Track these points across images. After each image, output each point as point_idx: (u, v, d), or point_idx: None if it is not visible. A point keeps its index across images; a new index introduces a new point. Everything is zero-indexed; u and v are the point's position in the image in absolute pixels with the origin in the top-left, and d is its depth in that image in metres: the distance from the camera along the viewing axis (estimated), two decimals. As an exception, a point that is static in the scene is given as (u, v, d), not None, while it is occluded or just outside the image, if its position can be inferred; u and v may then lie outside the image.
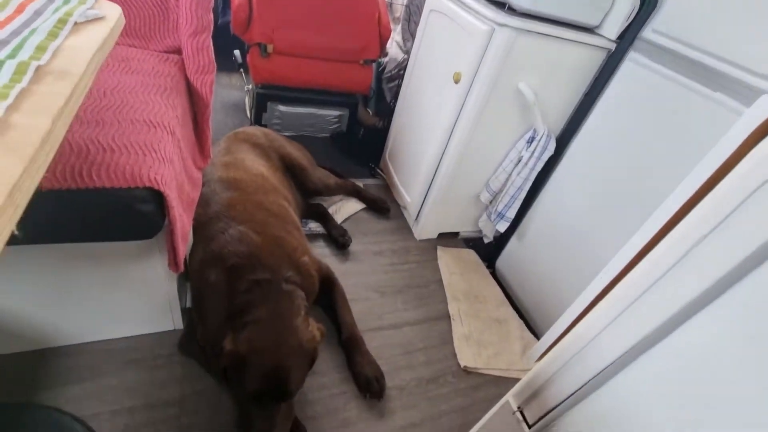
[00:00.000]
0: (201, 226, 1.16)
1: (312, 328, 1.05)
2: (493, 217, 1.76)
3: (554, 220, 1.62)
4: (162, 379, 1.09)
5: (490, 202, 1.77)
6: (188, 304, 1.23)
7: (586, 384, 0.75)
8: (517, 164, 1.62)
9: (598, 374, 0.73)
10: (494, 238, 1.93)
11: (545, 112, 1.50)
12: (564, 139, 1.55)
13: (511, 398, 0.96)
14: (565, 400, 0.79)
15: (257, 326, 0.96)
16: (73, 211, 0.68)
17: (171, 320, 1.19)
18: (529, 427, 0.90)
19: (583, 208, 1.48)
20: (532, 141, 1.55)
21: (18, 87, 0.34)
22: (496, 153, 1.65)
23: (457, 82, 1.46)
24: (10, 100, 0.33)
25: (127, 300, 1.08)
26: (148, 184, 0.71)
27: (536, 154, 1.54)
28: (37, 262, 0.90)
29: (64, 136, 0.35)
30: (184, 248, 0.94)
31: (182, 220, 0.89)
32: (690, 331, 0.59)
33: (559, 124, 1.57)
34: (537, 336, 1.59)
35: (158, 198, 0.75)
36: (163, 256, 0.98)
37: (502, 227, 1.74)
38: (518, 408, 0.94)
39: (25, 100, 0.34)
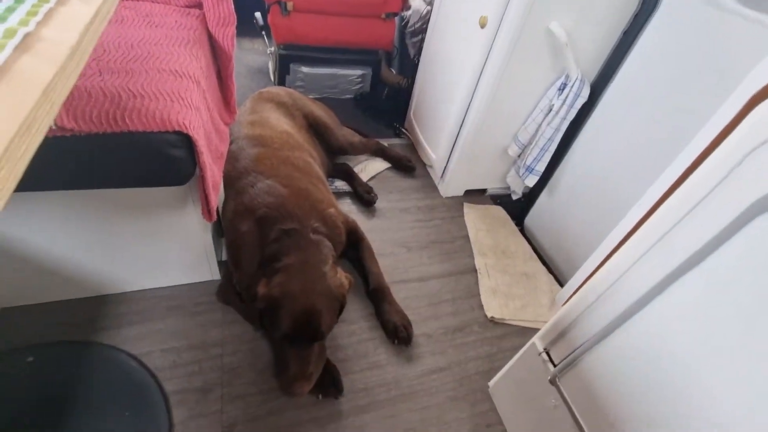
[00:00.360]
0: (231, 180, 1.20)
1: (340, 275, 1.08)
2: (521, 171, 1.71)
3: (587, 172, 1.55)
4: (203, 323, 1.18)
5: (519, 155, 1.72)
6: (224, 257, 1.30)
7: (611, 321, 0.74)
8: (547, 114, 1.54)
9: (624, 311, 0.72)
10: (523, 194, 1.88)
11: (578, 55, 1.41)
12: (599, 85, 1.45)
13: (537, 341, 0.97)
14: (590, 338, 0.79)
15: (288, 272, 1.01)
16: (110, 156, 0.72)
17: (209, 271, 1.26)
18: (554, 365, 0.90)
19: (618, 158, 1.40)
20: (564, 88, 1.47)
21: (46, 6, 0.36)
22: (525, 103, 1.58)
23: (483, 26, 1.39)
24: (39, 17, 0.35)
25: (167, 251, 1.15)
26: (177, 128, 0.73)
27: (568, 101, 1.46)
28: (85, 211, 0.96)
29: (88, 56, 0.36)
30: (215, 198, 0.98)
31: (212, 169, 0.93)
32: (718, 260, 0.56)
33: (593, 67, 1.47)
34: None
35: (188, 144, 0.78)
36: (196, 206, 1.03)
37: (531, 181, 1.69)
38: (544, 349, 0.94)
39: (53, 19, 0.36)
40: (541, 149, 1.59)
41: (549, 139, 1.55)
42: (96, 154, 0.71)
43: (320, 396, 1.07)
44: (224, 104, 1.15)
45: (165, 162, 0.76)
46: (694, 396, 0.62)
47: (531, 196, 1.88)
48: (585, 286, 0.83)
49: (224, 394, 1.04)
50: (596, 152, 1.49)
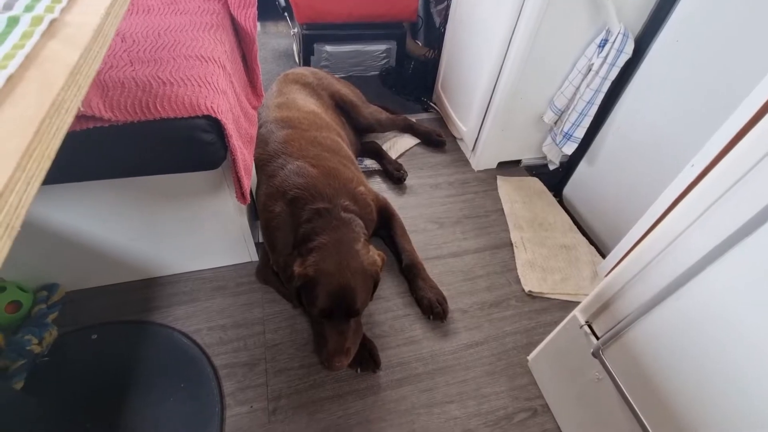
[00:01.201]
0: (262, 164, 1.23)
1: (372, 253, 1.09)
2: (558, 139, 1.62)
3: (630, 137, 1.44)
4: (245, 302, 1.23)
5: (555, 122, 1.63)
6: (260, 239, 1.34)
7: (661, 290, 0.69)
8: (586, 75, 1.44)
9: (675, 279, 0.67)
10: (560, 164, 1.79)
11: (621, 6, 1.29)
12: (644, 39, 1.33)
13: (578, 313, 0.93)
14: (637, 308, 0.75)
15: (321, 251, 1.02)
16: (146, 144, 0.75)
17: (247, 253, 1.31)
18: (597, 338, 0.87)
19: (666, 120, 1.29)
20: (604, 44, 1.36)
21: (69, -7, 0.37)
22: (562, 64, 1.48)
23: (512, -16, 1.30)
24: (63, 3, 0.35)
25: (208, 234, 1.20)
26: (205, 112, 0.75)
27: (610, 59, 1.35)
28: (131, 200, 1.02)
29: (112, 38, 0.37)
30: (248, 181, 1.00)
31: (242, 152, 0.94)
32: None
33: (638, 19, 1.34)
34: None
35: (217, 127, 0.79)
36: (231, 190, 1.06)
37: (569, 149, 1.59)
38: (586, 322, 0.91)
39: (76, 4, 0.36)
40: (580, 114, 1.49)
41: (588, 102, 1.45)
42: (133, 143, 0.74)
43: (359, 370, 1.10)
44: (251, 88, 1.16)
45: (197, 147, 0.78)
46: (751, 369, 0.57)
47: (569, 165, 1.78)
48: (631, 254, 0.78)
49: (268, 368, 1.10)
50: (641, 115, 1.38)
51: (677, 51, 1.24)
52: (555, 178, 1.82)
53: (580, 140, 1.57)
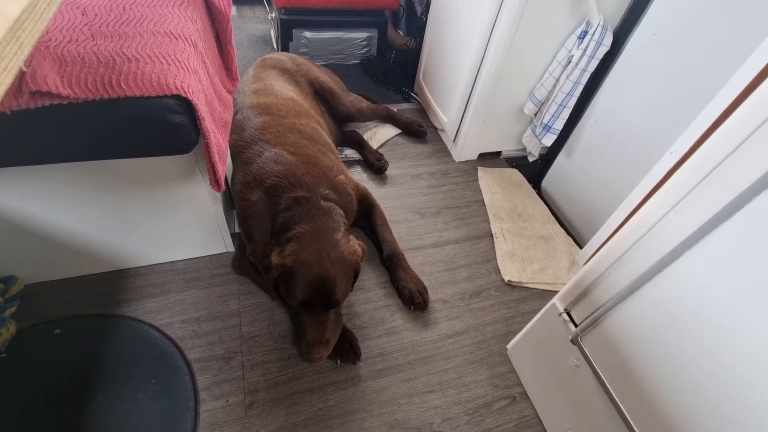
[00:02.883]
0: (238, 151, 1.18)
1: (353, 243, 1.06)
2: (538, 131, 1.63)
3: (608, 129, 1.47)
4: (221, 294, 1.19)
5: (536, 114, 1.64)
6: (236, 229, 1.29)
7: (638, 277, 0.70)
8: (566, 66, 1.45)
9: (652, 266, 0.68)
10: (540, 156, 1.81)
11: (600, -2, 1.30)
12: (623, 30, 1.35)
13: (557, 301, 0.94)
14: (615, 295, 0.76)
15: (300, 241, 0.99)
16: (109, 124, 0.70)
17: (223, 243, 1.26)
18: (576, 326, 0.88)
19: (642, 113, 1.31)
20: (584, 36, 1.37)
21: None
22: (542, 55, 1.48)
23: (495, -28, 1.29)
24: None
25: (180, 223, 1.14)
26: (175, 92, 0.70)
27: (589, 51, 1.36)
28: (97, 186, 0.96)
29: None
30: (222, 167, 0.96)
31: (216, 137, 0.90)
32: (765, 202, 0.51)
33: (617, 12, 1.36)
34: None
35: (188, 109, 0.75)
36: (204, 177, 1.01)
37: (549, 141, 1.61)
38: (564, 310, 0.92)
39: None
40: (560, 105, 1.51)
41: (568, 94, 1.47)
42: (94, 123, 0.69)
43: (339, 361, 1.08)
44: (225, 71, 1.10)
45: (166, 129, 0.73)
46: (725, 353, 0.59)
47: (548, 157, 1.80)
48: (609, 242, 0.79)
49: (245, 361, 1.06)
50: (618, 107, 1.40)
51: (654, 44, 1.26)
52: (534, 170, 1.85)
53: (559, 132, 1.59)
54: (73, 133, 0.69)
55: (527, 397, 1.10)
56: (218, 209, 1.15)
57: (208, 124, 0.80)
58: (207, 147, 0.83)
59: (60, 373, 0.97)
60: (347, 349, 1.09)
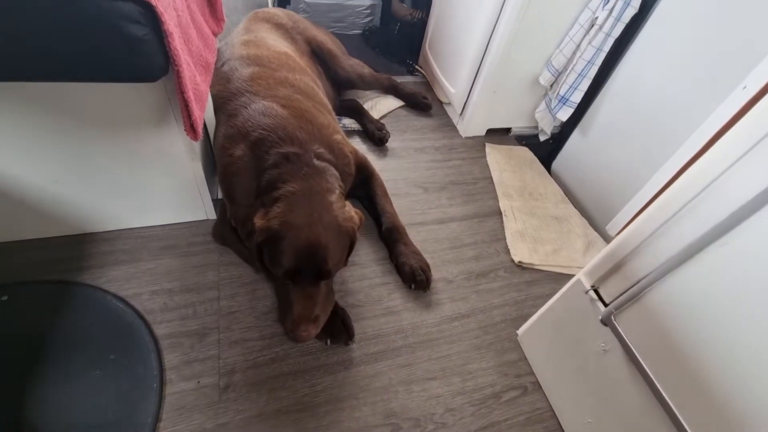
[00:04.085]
0: (221, 103, 1.04)
1: (349, 208, 0.94)
2: (553, 104, 1.50)
3: (629, 104, 1.35)
4: (198, 264, 1.05)
5: (551, 85, 1.51)
6: (219, 194, 1.16)
7: (690, 244, 0.58)
8: (588, 30, 1.32)
9: (708, 231, 0.55)
10: (552, 135, 1.69)
11: (632, -49, 1.17)
12: (654, -10, 1.22)
13: (583, 277, 0.82)
14: (658, 267, 0.63)
15: (288, 201, 0.86)
16: (44, 31, 0.55)
17: (203, 209, 1.12)
18: (606, 305, 0.76)
19: (668, 85, 1.19)
20: (611, -4, 1.24)
21: None
22: (562, 18, 1.36)
23: None
24: None
25: (154, 183, 1.01)
26: (133, -8, 0.56)
27: (615, 12, 1.24)
28: (52, 129, 0.82)
29: None
30: (200, 112, 0.82)
31: (192, 71, 0.76)
32: None
33: (648, -31, 1.23)
34: (601, 236, 1.40)
35: (153, 22, 0.61)
36: (179, 123, 0.88)
37: (564, 115, 1.49)
38: (592, 287, 0.79)
39: None
40: (579, 74, 1.38)
41: (589, 62, 1.34)
42: (26, 24, 0.55)
43: (329, 342, 0.95)
44: (209, 8, 0.96)
45: (124, 42, 0.59)
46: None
47: (560, 137, 1.68)
48: (651, 206, 0.67)
49: (221, 338, 0.93)
50: (642, 79, 1.28)
51: (685, 7, 1.13)
52: (544, 151, 1.72)
53: (576, 105, 1.46)
54: (7, 42, 0.55)
55: (540, 387, 0.98)
56: (197, 167, 1.01)
57: (179, 47, 0.66)
58: (178, 77, 0.69)
59: (4, 346, 0.84)
60: (339, 329, 0.96)
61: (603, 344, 0.77)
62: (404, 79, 1.88)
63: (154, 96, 0.81)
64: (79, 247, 1.03)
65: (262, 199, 0.89)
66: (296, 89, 1.09)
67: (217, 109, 1.06)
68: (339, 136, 1.06)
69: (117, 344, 0.87)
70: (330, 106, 1.22)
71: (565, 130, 1.65)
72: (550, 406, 0.95)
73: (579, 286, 0.82)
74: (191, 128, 0.81)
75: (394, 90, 1.72)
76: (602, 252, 0.77)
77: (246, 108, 0.99)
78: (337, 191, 0.93)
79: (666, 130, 1.21)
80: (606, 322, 0.73)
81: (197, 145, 0.99)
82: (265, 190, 0.90)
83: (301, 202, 0.86)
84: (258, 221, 0.86)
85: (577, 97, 1.44)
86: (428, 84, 1.88)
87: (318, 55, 1.46)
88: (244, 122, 0.96)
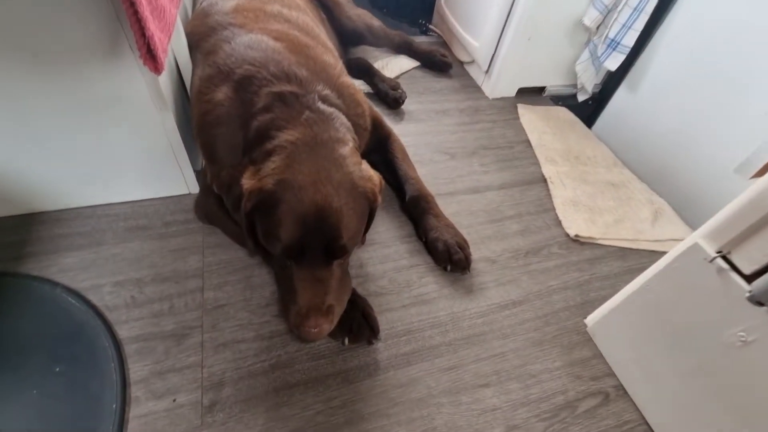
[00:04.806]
0: (198, 40, 0.82)
1: (366, 167, 0.71)
2: (600, 50, 1.26)
3: (692, 48, 1.11)
4: (176, 248, 0.83)
5: (598, 27, 1.27)
6: (202, 165, 0.94)
7: None
8: (648, -50, 1.08)
9: None
10: (592, 94, 1.45)
11: None
12: None
13: (703, 241, 0.58)
14: None
15: (286, 154, 0.64)
16: None
17: (182, 180, 0.90)
18: (745, 277, 0.52)
19: (747, 18, 0.96)
20: None
21: None
22: (616, -63, 1.11)
23: None
24: None
25: (117, 147, 0.79)
26: None
27: None
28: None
29: None
30: (160, 33, 0.60)
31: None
32: None
33: None
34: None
35: None
36: (137, 56, 0.65)
37: (614, 63, 1.24)
38: (719, 253, 0.56)
39: None
40: (634, 10, 1.14)
41: (648, -8, 1.10)
42: None
43: (346, 341, 0.73)
44: None
45: None
46: None
47: (601, 97, 1.45)
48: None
49: (206, 340, 0.71)
50: (711, 14, 1.04)
51: None
52: (581, 115, 1.48)
53: (628, 51, 1.22)
54: None
55: (625, 392, 0.74)
56: (169, 122, 0.78)
57: None
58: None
59: None
60: (359, 324, 0.73)
61: (742, 333, 0.54)
62: (417, 40, 1.64)
63: (98, 15, 0.59)
64: (23, 230, 0.81)
65: (251, 155, 0.67)
66: (292, 25, 0.87)
67: (193, 48, 0.84)
68: (349, 80, 0.84)
69: (64, 352, 0.65)
70: (336, 53, 0.99)
71: (607, 88, 1.41)
72: (643, 417, 0.71)
73: (695, 254, 0.59)
74: (148, 53, 0.59)
75: (407, 48, 1.49)
76: (734, 204, 0.54)
77: (228, 42, 0.77)
78: (351, 144, 0.71)
79: (742, 76, 0.97)
80: (758, 299, 0.50)
81: (168, 93, 0.76)
82: (254, 141, 0.68)
83: (302, 154, 0.64)
84: (246, 182, 0.64)
85: (630, 40, 1.19)
86: (445, 44, 1.65)
87: (320, 2, 1.23)
88: (225, 58, 0.74)
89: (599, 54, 1.27)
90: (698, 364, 0.61)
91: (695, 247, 0.58)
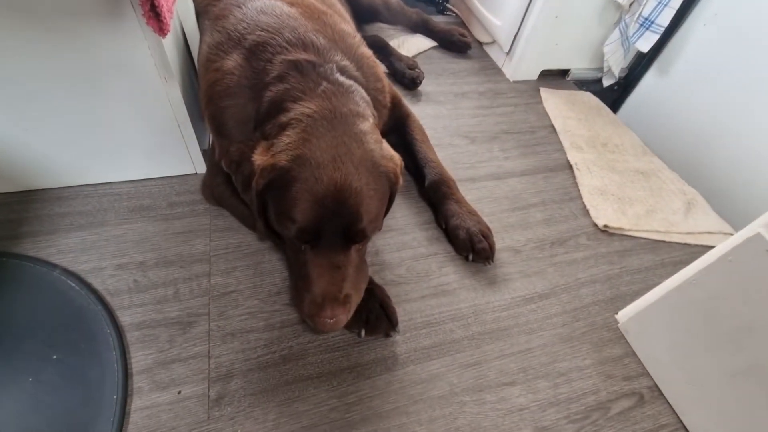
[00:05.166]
0: (207, 3, 0.77)
1: (387, 146, 0.65)
2: (631, 31, 1.19)
3: (731, 27, 1.04)
4: (182, 230, 0.78)
5: (631, 4, 1.19)
6: (210, 143, 0.88)
7: None
8: None
9: None
10: (620, 77, 1.37)
11: None
12: None
13: (765, 230, 0.52)
14: None
15: (302, 127, 0.58)
16: None
17: (188, 159, 0.85)
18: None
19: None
20: None
21: None
22: None
23: None
24: None
25: (119, 120, 0.73)
26: None
27: None
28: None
29: None
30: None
31: None
32: None
33: None
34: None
35: None
36: (138, 13, 0.59)
37: (646, 44, 1.17)
38: (785, 244, 0.50)
39: None
40: (673, -15, 1.06)
41: (690, -36, 1.02)
42: None
43: (363, 333, 0.68)
44: None
45: None
46: None
47: (627, 82, 1.37)
48: None
49: (213, 329, 0.66)
50: None
51: None
52: (606, 100, 1.40)
53: (662, 30, 1.14)
54: None
55: (661, 394, 0.69)
56: (174, 95, 0.73)
57: None
58: None
59: None
60: (376, 315, 0.68)
61: (812, 335, 0.48)
62: (435, 20, 1.56)
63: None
64: (19, 208, 0.76)
65: (264, 129, 0.62)
66: (308, -8, 0.80)
67: (200, 14, 0.78)
68: (368, 51, 0.77)
69: (62, 338, 0.61)
70: (352, 24, 0.93)
71: (635, 71, 1.33)
72: (681, 421, 0.66)
73: (756, 245, 0.53)
74: (152, 11, 0.53)
75: (424, 27, 1.41)
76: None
77: (239, 7, 0.71)
78: (371, 120, 0.65)
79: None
80: (840, 298, 0.44)
81: (173, 62, 0.71)
82: (267, 114, 0.62)
83: (320, 129, 0.58)
84: (258, 158, 0.58)
85: (665, 19, 1.12)
86: (463, 24, 1.57)
87: (333, -26, 1.16)
88: (236, 24, 0.68)
89: (630, 34, 1.19)
90: (749, 366, 0.56)
91: (756, 238, 0.52)
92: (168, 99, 0.73)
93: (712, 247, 0.60)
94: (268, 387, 0.62)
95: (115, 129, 0.75)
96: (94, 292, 0.67)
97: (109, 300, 0.67)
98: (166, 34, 0.57)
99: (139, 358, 0.62)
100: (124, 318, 0.66)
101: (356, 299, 0.62)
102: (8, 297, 0.64)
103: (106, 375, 0.58)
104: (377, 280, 0.75)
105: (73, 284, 0.67)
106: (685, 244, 0.94)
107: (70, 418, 0.54)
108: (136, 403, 0.58)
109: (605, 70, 1.37)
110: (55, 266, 0.69)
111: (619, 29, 1.24)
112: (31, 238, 0.72)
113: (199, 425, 0.57)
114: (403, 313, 0.72)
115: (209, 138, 0.91)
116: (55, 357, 0.59)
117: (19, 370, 0.57)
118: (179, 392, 0.60)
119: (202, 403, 0.59)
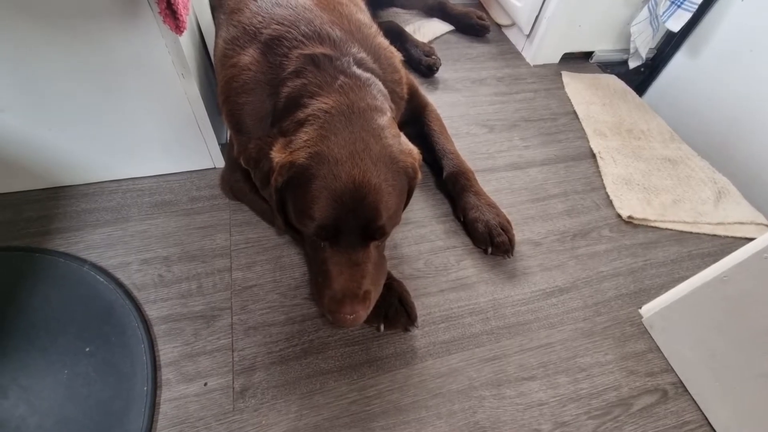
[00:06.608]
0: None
1: (405, 140, 0.64)
2: (662, 9, 1.12)
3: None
4: (203, 225, 0.80)
5: (662, -20, 1.12)
6: (228, 137, 0.89)
7: None
8: None
9: None
10: (647, 59, 1.31)
11: None
12: None
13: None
14: None
15: (320, 124, 0.58)
16: None
17: (207, 154, 0.86)
18: None
19: None
20: None
21: None
22: None
23: None
24: None
25: (139, 116, 0.74)
26: None
27: None
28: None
29: None
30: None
31: None
32: None
33: None
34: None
35: None
36: (155, 11, 0.59)
37: (677, 23, 1.11)
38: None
39: None
40: (708, -41, 0.99)
41: (729, -65, 0.95)
42: None
43: (382, 327, 0.68)
44: None
45: None
46: None
47: (654, 64, 1.31)
48: None
49: (236, 323, 0.68)
50: None
51: None
52: (633, 82, 1.34)
53: (695, 8, 1.08)
54: None
55: (685, 390, 0.68)
56: (192, 91, 0.73)
57: None
58: None
59: (-55, 334, 0.62)
60: (395, 309, 0.69)
61: None
62: (452, 3, 1.51)
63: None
64: (47, 205, 0.79)
65: (281, 125, 0.61)
66: (323, -19, 0.78)
67: (216, 8, 0.77)
68: (385, 41, 0.76)
69: (94, 332, 0.63)
70: (368, 12, 0.90)
71: (663, 53, 1.27)
72: (706, 418, 0.65)
73: (793, 243, 0.50)
74: (168, 9, 0.52)
75: (441, 10, 1.37)
76: None
77: (254, 0, 0.69)
78: (389, 113, 0.64)
79: None
80: None
81: (190, 59, 0.70)
82: (284, 110, 0.62)
83: (338, 125, 0.58)
84: (276, 155, 0.58)
85: (698, -4, 1.05)
86: (481, 6, 1.51)
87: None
88: (251, 17, 0.67)
89: (661, 12, 1.13)
90: (783, 366, 0.54)
91: (794, 237, 0.50)
92: (186, 95, 0.73)
93: (743, 238, 0.58)
94: (290, 380, 0.63)
95: (135, 125, 0.76)
96: (121, 286, 0.69)
97: (136, 294, 0.69)
98: (182, 32, 0.56)
99: (166, 351, 0.64)
100: (151, 312, 0.68)
101: (375, 295, 0.62)
102: (43, 293, 0.66)
103: (137, 367, 0.61)
104: (395, 273, 0.76)
105: (102, 279, 0.69)
106: (714, 235, 0.91)
107: (104, 408, 0.57)
108: (165, 394, 0.60)
109: (632, 51, 1.30)
110: (84, 261, 0.71)
111: (648, 7, 1.18)
112: (61, 234, 0.75)
113: (225, 416, 0.59)
114: (421, 307, 0.72)
115: (227, 132, 0.91)
116: (87, 350, 0.62)
117: (55, 363, 0.60)
118: (205, 384, 0.62)
119: (227, 395, 0.61)
